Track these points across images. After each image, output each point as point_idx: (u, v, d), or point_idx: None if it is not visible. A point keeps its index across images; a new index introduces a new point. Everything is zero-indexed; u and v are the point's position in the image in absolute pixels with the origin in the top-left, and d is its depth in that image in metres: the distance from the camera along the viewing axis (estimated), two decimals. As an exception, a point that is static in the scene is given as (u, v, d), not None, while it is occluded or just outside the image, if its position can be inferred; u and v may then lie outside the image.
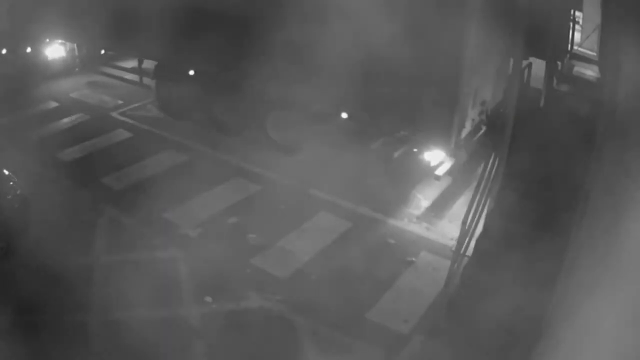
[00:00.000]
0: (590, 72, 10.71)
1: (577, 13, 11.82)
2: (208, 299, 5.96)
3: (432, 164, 7.46)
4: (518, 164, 6.48)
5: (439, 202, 8.01)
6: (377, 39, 6.27)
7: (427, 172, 7.56)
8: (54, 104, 10.56)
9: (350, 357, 5.38)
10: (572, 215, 4.96)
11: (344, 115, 7.60)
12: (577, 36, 12.17)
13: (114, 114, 10.39)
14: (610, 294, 2.71)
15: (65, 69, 11.31)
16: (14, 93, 10.47)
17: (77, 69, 11.52)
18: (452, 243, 6.67)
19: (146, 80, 10.48)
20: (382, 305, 6.02)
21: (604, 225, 3.53)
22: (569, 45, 11.52)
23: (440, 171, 7.40)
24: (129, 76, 11.16)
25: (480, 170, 6.93)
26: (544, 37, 8.43)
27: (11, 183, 6.35)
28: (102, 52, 11.35)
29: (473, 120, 7.53)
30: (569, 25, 11.23)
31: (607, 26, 8.58)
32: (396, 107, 6.98)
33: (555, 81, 9.20)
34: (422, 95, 6.79)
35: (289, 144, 8.43)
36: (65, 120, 9.99)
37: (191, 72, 8.75)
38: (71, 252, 6.36)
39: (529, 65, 8.71)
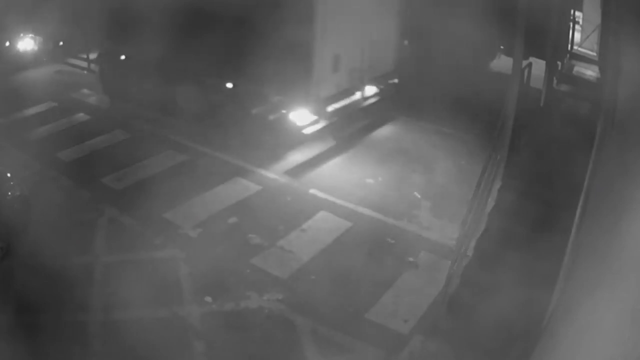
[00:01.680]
0: (590, 72, 10.72)
1: (577, 13, 11.84)
2: (208, 299, 5.95)
3: (300, 124, 8.40)
4: (518, 164, 6.49)
5: (311, 161, 8.73)
6: (248, 17, 7.66)
7: (296, 132, 8.49)
8: (53, 104, 10.56)
9: (350, 357, 5.38)
10: (572, 215, 4.96)
11: (229, 85, 8.69)
12: (577, 36, 12.19)
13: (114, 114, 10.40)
14: (610, 294, 2.71)
15: (35, 61, 12.32)
16: (13, 92, 10.54)
17: (44, 59, 12.49)
18: (452, 243, 6.67)
19: (93, 67, 11.54)
20: (382, 305, 6.01)
21: (604, 225, 3.53)
22: (569, 45, 11.54)
23: (307, 130, 8.41)
24: (85, 64, 12.19)
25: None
26: (544, 37, 8.45)
27: (11, 183, 6.35)
28: (60, 43, 12.53)
29: (338, 85, 8.61)
30: (569, 25, 11.25)
31: (607, 26, 8.58)
32: (267, 74, 8.04)
33: (555, 81, 9.21)
34: (284, 62, 7.85)
35: (194, 112, 9.27)
36: (65, 120, 9.99)
37: (122, 57, 10.07)
38: (71, 252, 6.36)
39: (529, 65, 8.71)
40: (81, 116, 10.20)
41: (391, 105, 10.04)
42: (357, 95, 9.37)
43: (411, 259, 6.75)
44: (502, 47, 12.00)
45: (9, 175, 6.45)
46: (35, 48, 12.21)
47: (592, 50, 11.85)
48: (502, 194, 6.23)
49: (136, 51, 9.54)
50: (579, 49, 12.11)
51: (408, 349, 5.44)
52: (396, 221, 7.51)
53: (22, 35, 11.92)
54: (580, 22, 12.33)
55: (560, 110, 8.01)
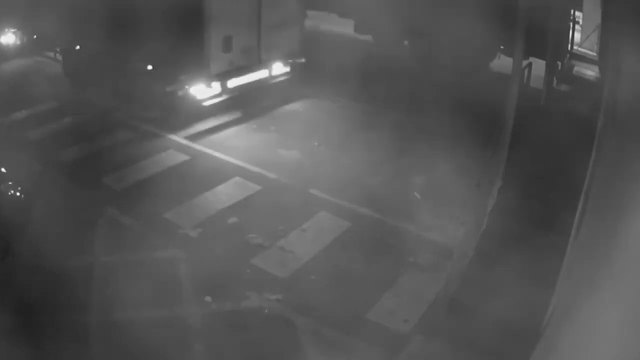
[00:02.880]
0: (590, 72, 10.74)
1: (577, 13, 11.84)
2: (208, 299, 5.96)
3: (200, 97, 9.76)
4: (518, 164, 6.50)
5: (212, 129, 9.95)
6: (158, 9, 8.85)
7: (197, 105, 9.86)
8: (54, 104, 10.56)
9: (350, 357, 5.38)
10: (572, 214, 4.96)
11: (150, 67, 9.93)
12: (577, 36, 12.20)
13: (114, 114, 10.40)
14: (611, 294, 2.71)
15: (17, 53, 13.20)
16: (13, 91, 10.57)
17: (25, 52, 13.33)
18: (452, 243, 6.67)
19: (58, 57, 12.24)
20: (382, 305, 6.01)
21: (604, 225, 3.53)
22: (569, 45, 11.55)
23: (207, 103, 9.83)
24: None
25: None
26: (544, 37, 8.46)
27: (11, 183, 6.35)
28: (34, 37, 13.39)
29: (231, 63, 9.97)
30: (569, 25, 11.25)
31: (607, 26, 8.59)
32: (174, 56, 9.55)
33: (555, 81, 9.22)
34: (185, 45, 9.37)
35: (126, 92, 10.25)
36: (65, 120, 9.99)
37: (77, 47, 11.09)
38: (71, 252, 6.36)
39: (529, 65, 8.72)
40: (81, 116, 10.20)
41: (301, 83, 11.22)
42: (264, 73, 10.66)
43: (411, 259, 6.75)
44: (502, 47, 12.00)
45: (9, 175, 6.45)
46: (18, 42, 13.22)
47: (592, 50, 11.86)
48: (502, 194, 6.23)
49: (85, 42, 10.84)
50: (579, 49, 12.12)
51: (408, 349, 5.44)
52: (396, 221, 7.51)
53: (5, 30, 12.96)
54: (580, 22, 12.33)
55: (560, 110, 8.01)
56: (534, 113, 7.65)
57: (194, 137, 9.64)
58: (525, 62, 7.58)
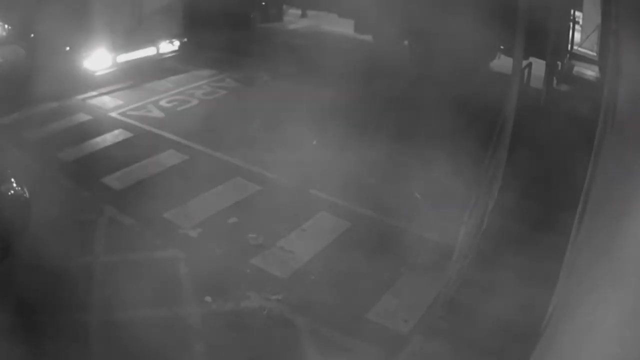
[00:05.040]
0: (590, 72, 10.74)
1: (577, 13, 11.84)
2: (208, 299, 5.96)
3: (93, 69, 11.82)
4: (518, 164, 6.50)
5: (104, 92, 11.61)
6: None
7: (92, 75, 11.82)
8: (54, 104, 10.57)
9: (350, 357, 5.38)
10: (572, 215, 4.96)
11: (68, 48, 11.66)
12: (577, 36, 12.20)
13: (114, 114, 10.41)
14: (611, 294, 2.71)
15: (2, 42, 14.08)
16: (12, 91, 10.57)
17: (8, 41, 13.92)
18: (452, 243, 6.67)
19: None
20: (382, 305, 6.01)
21: (604, 225, 3.53)
22: (569, 45, 11.55)
23: (99, 72, 11.88)
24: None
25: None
26: (544, 37, 8.47)
27: (11, 183, 6.35)
28: (9, 27, 14.11)
29: (114, 43, 11.86)
30: (569, 25, 11.26)
31: (607, 26, 8.59)
32: (78, 38, 11.50)
33: (555, 81, 9.23)
34: (82, 29, 11.33)
35: (52, 69, 11.40)
36: (66, 120, 10.00)
37: (32, 36, 12.31)
38: (71, 252, 6.36)
39: (529, 65, 8.73)
40: (81, 116, 10.21)
41: (184, 59, 13.35)
42: (152, 50, 12.86)
43: (411, 259, 6.75)
44: (502, 47, 12.01)
45: (9, 175, 6.45)
46: (4, 33, 14.01)
47: (592, 50, 11.86)
48: (502, 194, 6.23)
49: (35, 30, 12.08)
50: (579, 49, 12.11)
51: (408, 349, 5.43)
52: (396, 221, 7.51)
53: None
54: (580, 22, 12.33)
55: (560, 110, 8.02)
56: (534, 113, 7.65)
57: (87, 99, 11.23)
58: (525, 62, 7.56)
